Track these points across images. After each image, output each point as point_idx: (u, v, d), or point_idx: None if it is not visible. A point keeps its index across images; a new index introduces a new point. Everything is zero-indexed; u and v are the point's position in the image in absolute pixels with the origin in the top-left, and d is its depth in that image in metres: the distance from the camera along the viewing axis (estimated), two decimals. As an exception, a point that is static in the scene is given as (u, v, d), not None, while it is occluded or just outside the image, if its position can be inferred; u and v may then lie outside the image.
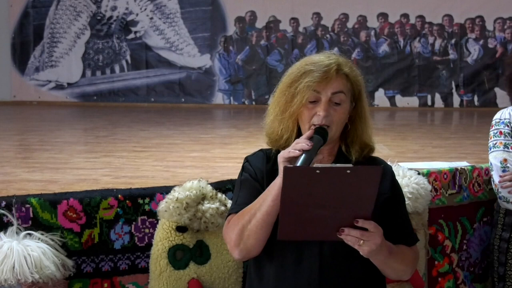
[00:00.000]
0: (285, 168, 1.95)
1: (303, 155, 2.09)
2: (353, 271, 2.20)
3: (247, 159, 2.33)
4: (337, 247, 2.16)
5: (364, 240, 2.02)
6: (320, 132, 2.17)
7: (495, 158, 3.14)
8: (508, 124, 3.16)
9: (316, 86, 2.19)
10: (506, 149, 3.13)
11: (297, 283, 2.18)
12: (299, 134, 2.26)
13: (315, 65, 2.22)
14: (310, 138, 2.14)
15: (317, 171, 1.91)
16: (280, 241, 2.12)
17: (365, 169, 1.99)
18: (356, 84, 2.27)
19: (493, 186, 3.18)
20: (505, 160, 3.12)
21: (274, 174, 2.22)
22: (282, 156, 2.13)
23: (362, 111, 2.29)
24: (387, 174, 2.27)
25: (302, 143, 2.12)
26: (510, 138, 3.14)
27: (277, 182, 2.11)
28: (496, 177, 3.13)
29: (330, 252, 2.18)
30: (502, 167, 3.12)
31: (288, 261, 2.20)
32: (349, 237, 2.02)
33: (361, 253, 2.06)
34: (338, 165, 1.99)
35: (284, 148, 2.24)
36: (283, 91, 2.26)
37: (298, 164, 2.07)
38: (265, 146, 2.37)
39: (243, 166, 2.32)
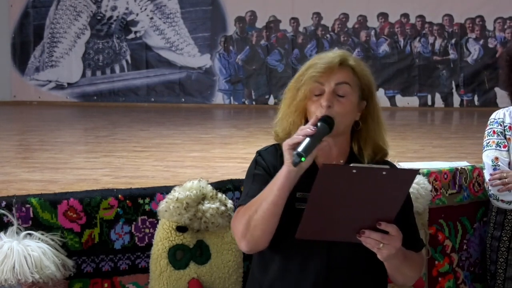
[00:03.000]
0: (322, 166, 1.91)
1: (307, 139, 2.05)
2: (359, 276, 2.19)
3: (259, 153, 2.31)
4: (346, 251, 2.14)
5: (384, 243, 1.99)
6: (326, 121, 2.13)
7: (487, 157, 3.17)
8: (502, 123, 3.19)
9: (319, 78, 2.18)
10: (498, 148, 3.16)
11: (301, 284, 2.17)
12: None
13: (320, 59, 2.22)
14: (314, 125, 2.10)
15: (354, 171, 1.87)
16: (287, 237, 2.11)
17: (401, 172, 1.96)
18: (364, 79, 2.24)
19: (485, 185, 3.20)
20: (497, 158, 3.14)
21: None
22: (286, 143, 2.10)
23: (374, 110, 2.26)
24: None
25: (305, 128, 2.09)
26: (502, 137, 3.17)
27: (283, 172, 2.09)
28: (487, 175, 3.16)
29: (338, 255, 2.16)
30: (493, 165, 3.14)
31: (294, 260, 2.18)
32: (369, 239, 1.99)
33: (379, 256, 2.04)
34: (375, 166, 1.96)
35: None
36: (290, 88, 2.26)
37: (301, 148, 2.02)
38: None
39: (255, 160, 2.29)
